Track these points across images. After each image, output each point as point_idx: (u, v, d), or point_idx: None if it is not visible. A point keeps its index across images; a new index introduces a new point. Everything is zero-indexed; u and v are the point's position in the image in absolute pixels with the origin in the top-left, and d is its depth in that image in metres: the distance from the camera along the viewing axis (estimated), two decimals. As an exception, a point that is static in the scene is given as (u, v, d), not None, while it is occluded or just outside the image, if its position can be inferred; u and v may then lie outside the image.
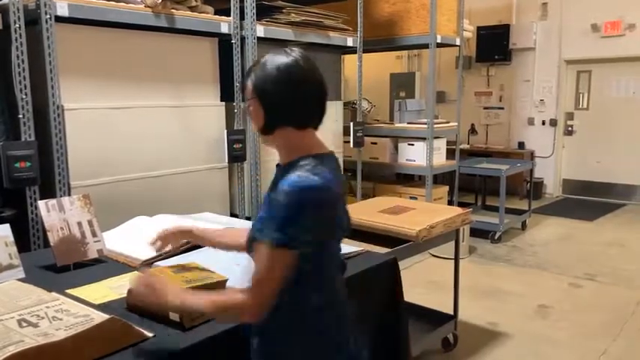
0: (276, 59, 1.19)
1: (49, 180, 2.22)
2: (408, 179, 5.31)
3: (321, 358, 1.21)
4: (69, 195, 2.26)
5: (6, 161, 2.04)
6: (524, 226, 5.21)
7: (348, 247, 1.94)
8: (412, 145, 4.51)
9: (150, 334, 1.25)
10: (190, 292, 1.23)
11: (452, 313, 2.77)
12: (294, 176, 1.12)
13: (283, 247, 1.10)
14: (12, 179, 2.06)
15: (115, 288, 1.59)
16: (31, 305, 1.28)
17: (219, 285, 1.39)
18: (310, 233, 1.11)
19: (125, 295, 1.45)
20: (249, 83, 1.19)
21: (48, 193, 2.21)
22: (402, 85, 5.88)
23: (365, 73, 3.90)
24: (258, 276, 1.12)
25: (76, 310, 1.26)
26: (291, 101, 1.19)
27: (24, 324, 1.18)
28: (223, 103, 2.95)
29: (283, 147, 1.24)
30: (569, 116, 6.72)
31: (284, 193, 1.10)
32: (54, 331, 1.14)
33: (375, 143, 4.69)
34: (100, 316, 1.22)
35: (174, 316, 1.33)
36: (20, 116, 2.10)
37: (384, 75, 6.27)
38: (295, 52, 1.23)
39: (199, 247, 1.93)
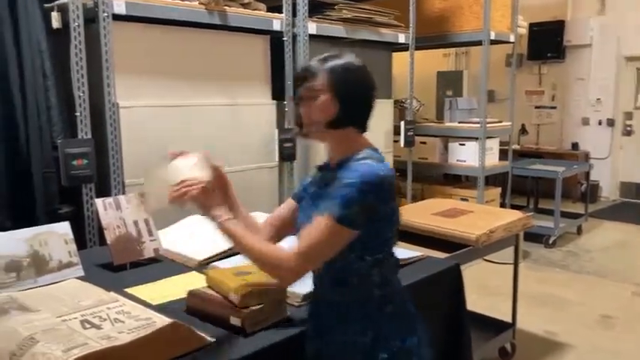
0: (352, 59, 1.24)
1: (104, 178, 2.22)
2: (457, 180, 5.16)
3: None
4: (123, 193, 2.26)
5: (64, 159, 2.05)
6: (579, 230, 5.00)
7: (407, 251, 1.86)
8: (463, 145, 4.38)
9: (211, 339, 1.21)
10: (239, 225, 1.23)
11: (509, 320, 2.65)
12: (364, 165, 1.16)
13: (346, 224, 1.12)
14: (69, 177, 2.07)
15: (172, 288, 1.56)
16: (93, 306, 1.26)
17: (278, 291, 1.34)
18: (373, 217, 1.14)
19: (184, 296, 1.42)
20: (325, 76, 1.20)
21: (103, 190, 2.21)
22: (449, 83, 5.72)
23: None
24: (310, 242, 1.13)
25: (137, 313, 1.23)
26: (365, 103, 1.25)
27: (87, 325, 1.16)
28: (274, 101, 2.91)
29: (340, 144, 1.25)
30: (628, 116, 6.42)
31: (358, 175, 1.13)
32: (117, 334, 1.11)
33: (425, 143, 4.57)
34: (162, 320, 1.19)
35: (235, 321, 1.28)
36: (77, 114, 2.10)
37: (429, 73, 6.12)
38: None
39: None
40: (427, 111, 6.03)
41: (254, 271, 1.43)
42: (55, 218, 2.14)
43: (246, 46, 2.77)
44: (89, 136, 2.14)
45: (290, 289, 1.38)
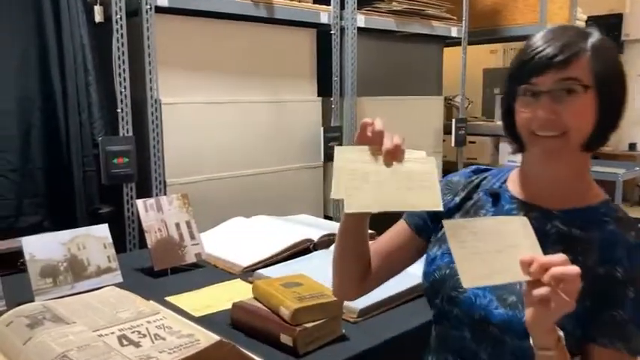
0: (612, 43, 0.91)
1: (145, 177, 2.14)
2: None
3: None
4: (165, 193, 2.17)
5: (104, 157, 1.97)
6: (639, 236, 4.67)
7: None
8: (515, 144, 4.15)
9: (259, 360, 1.09)
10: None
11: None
12: None
13: None
14: (110, 175, 1.99)
15: (215, 298, 1.45)
16: (132, 319, 1.15)
17: (334, 306, 1.20)
18: None
19: (229, 307, 1.30)
20: (588, 61, 0.85)
21: (144, 190, 2.12)
22: (496, 81, 5.47)
23: (456, 68, 3.61)
24: None
25: (179, 328, 1.11)
26: (623, 111, 0.90)
27: (125, 342, 1.05)
28: (320, 98, 2.78)
29: (575, 178, 0.93)
30: (691, 115, 6.01)
31: None
32: (157, 354, 0.99)
33: (474, 142, 4.35)
34: (206, 337, 1.07)
35: (286, 339, 1.15)
36: (119, 110, 2.02)
37: (475, 70, 5.85)
38: None
39: (305, 252, 1.76)
40: (473, 109, 5.80)
41: (304, 282, 1.31)
42: (95, 218, 2.06)
43: (291, 39, 2.65)
44: (130, 133, 2.06)
45: (347, 303, 1.25)
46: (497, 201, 0.99)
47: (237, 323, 1.27)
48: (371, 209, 0.90)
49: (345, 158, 0.92)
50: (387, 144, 0.90)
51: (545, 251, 0.76)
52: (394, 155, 0.90)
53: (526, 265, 0.74)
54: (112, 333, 1.09)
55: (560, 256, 0.73)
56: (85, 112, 2.01)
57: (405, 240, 1.08)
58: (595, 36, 0.88)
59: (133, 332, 1.10)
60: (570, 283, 0.71)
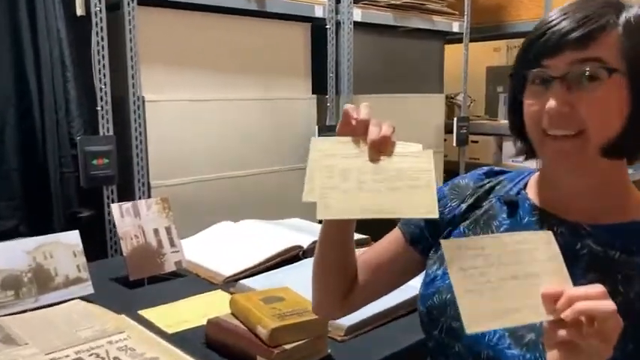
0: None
1: (128, 179, 2.02)
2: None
3: None
4: (149, 195, 2.06)
5: (83, 157, 1.86)
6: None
7: None
8: (519, 144, 4.02)
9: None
10: None
11: None
12: None
13: None
14: (89, 177, 1.87)
15: (192, 311, 1.33)
16: (92, 338, 1.04)
17: (318, 324, 1.08)
18: None
19: (204, 322, 1.18)
20: (620, 40, 0.68)
21: (126, 193, 2.01)
22: (499, 79, 5.33)
23: (457, 65, 3.49)
24: None
25: (143, 349, 1.00)
26: None
27: (78, 367, 0.93)
28: (314, 96, 2.66)
29: (608, 186, 0.75)
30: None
31: None
32: (113, 382, 0.88)
33: (476, 142, 4.22)
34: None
35: (262, 362, 1.04)
36: (98, 108, 1.91)
37: (477, 68, 5.72)
38: None
39: (295, 259, 1.65)
40: (476, 108, 5.67)
41: (287, 296, 1.19)
42: (73, 223, 1.95)
43: (284, 34, 2.53)
44: (111, 132, 1.94)
45: (333, 321, 1.13)
46: (513, 211, 0.82)
47: (212, 342, 1.15)
48: (349, 215, 0.76)
49: (321, 151, 0.78)
50: (373, 134, 0.75)
51: (575, 280, 0.60)
52: (381, 147, 0.75)
53: (551, 299, 0.57)
54: (67, 356, 0.98)
55: (597, 287, 0.56)
56: (62, 109, 1.90)
57: (398, 251, 0.93)
58: (632, 9, 0.69)
59: (91, 355, 0.99)
60: (604, 322, 0.55)
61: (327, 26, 2.60)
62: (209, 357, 1.10)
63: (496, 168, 0.94)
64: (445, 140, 3.51)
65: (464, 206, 0.88)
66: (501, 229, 0.82)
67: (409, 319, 1.28)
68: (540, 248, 0.63)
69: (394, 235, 0.95)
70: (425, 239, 0.91)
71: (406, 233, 0.93)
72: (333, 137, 0.79)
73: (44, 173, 1.88)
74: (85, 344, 1.02)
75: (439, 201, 0.77)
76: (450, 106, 4.08)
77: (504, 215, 0.83)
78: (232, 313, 1.18)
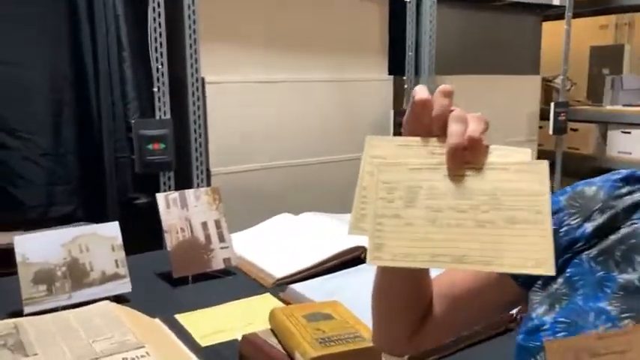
0: None
1: (186, 165, 1.91)
2: (604, 173, 4.27)
3: None
4: (208, 183, 1.94)
5: (138, 142, 1.76)
6: None
7: None
8: (628, 133, 3.54)
9: None
10: None
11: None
12: None
13: None
14: (144, 162, 1.78)
15: (233, 319, 1.18)
16: (107, 353, 0.90)
17: (370, 354, 0.88)
18: None
19: (239, 337, 1.02)
20: None
21: (184, 180, 1.90)
22: (605, 60, 4.78)
23: (557, 44, 3.09)
24: None
25: (159, 373, 0.85)
26: None
27: (80, 391, 0.80)
28: (391, 77, 2.43)
29: None
30: None
31: None
32: (112, 416, 0.73)
33: (576, 130, 3.79)
34: (188, 391, 0.79)
35: (299, 397, 0.85)
36: (155, 89, 1.80)
37: (580, 47, 5.17)
38: None
39: (352, 263, 1.45)
40: (576, 92, 5.14)
41: (336, 314, 1.00)
42: (129, 209, 1.87)
43: (358, 9, 2.31)
44: (168, 116, 1.83)
45: (389, 355, 0.92)
46: None
47: (246, 361, 0.98)
48: (412, 263, 0.52)
49: (378, 158, 0.55)
50: (455, 134, 0.53)
51: None
52: (468, 156, 0.53)
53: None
54: (73, 374, 0.85)
55: None
56: (118, 90, 1.81)
57: (490, 281, 0.69)
58: None
59: (100, 375, 0.85)
60: None
61: (408, 1, 2.35)
62: (240, 381, 0.93)
63: (639, 171, 0.66)
64: (541, 127, 3.15)
65: (589, 227, 0.62)
66: None
67: (497, 343, 1.04)
68: None
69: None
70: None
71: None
72: (397, 137, 0.57)
73: (100, 157, 1.81)
74: (96, 359, 0.89)
75: (552, 215, 0.54)
76: (547, 89, 3.67)
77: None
78: (271, 329, 1.01)
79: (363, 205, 0.54)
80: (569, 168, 3.92)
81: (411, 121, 0.56)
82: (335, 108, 2.27)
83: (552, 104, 3.00)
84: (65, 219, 1.80)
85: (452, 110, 0.54)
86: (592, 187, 0.65)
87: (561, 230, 0.63)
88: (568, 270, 0.61)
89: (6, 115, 1.70)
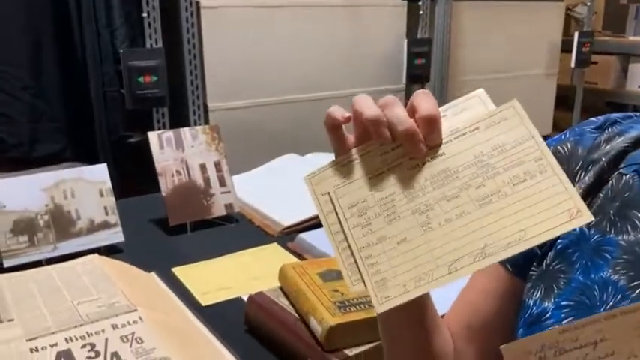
0: None
1: (181, 100, 1.75)
2: (622, 109, 4.10)
3: None
4: (206, 120, 1.79)
5: (128, 74, 1.59)
6: None
7: None
8: (652, 66, 3.35)
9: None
10: None
11: None
12: None
13: None
14: (135, 97, 1.62)
15: (237, 274, 1.06)
16: (93, 318, 0.78)
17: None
18: None
19: (250, 292, 0.90)
20: None
21: (179, 116, 1.74)
22: (625, -13, 4.50)
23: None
24: None
25: (152, 344, 0.74)
26: None
27: (62, 366, 0.68)
28: (405, 2, 2.22)
29: None
30: None
31: None
32: (98, 399, 0.62)
33: (595, 62, 3.58)
34: (187, 365, 0.68)
35: (315, 370, 0.74)
36: (144, 15, 1.61)
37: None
38: None
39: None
40: (594, 22, 4.88)
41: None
42: (121, 149, 1.73)
43: None
44: (160, 45, 1.65)
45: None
46: None
47: (253, 325, 0.87)
48: (429, 286, 0.42)
49: (327, 189, 0.47)
50: (402, 120, 0.45)
51: None
52: (426, 134, 0.45)
53: None
54: (54, 345, 0.73)
55: None
56: (103, 17, 1.61)
57: (506, 296, 0.57)
58: None
59: (84, 346, 0.73)
60: None
61: None
62: (248, 346, 0.82)
63: (615, 115, 0.56)
64: (560, 60, 2.95)
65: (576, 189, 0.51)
66: None
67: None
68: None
69: (490, 273, 0.58)
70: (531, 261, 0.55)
71: (506, 263, 0.57)
72: (336, 160, 0.49)
73: (86, 91, 1.65)
74: (82, 327, 0.77)
75: None
76: (566, 19, 3.44)
77: None
78: (281, 288, 0.89)
79: (348, 252, 0.44)
80: (585, 104, 3.74)
81: (338, 137, 0.49)
82: (344, 37, 2.08)
83: (576, 34, 2.79)
84: (52, 159, 1.66)
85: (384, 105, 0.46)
86: (566, 144, 0.56)
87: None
88: (559, 241, 0.52)
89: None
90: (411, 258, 0.42)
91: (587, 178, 0.53)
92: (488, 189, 0.42)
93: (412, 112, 0.45)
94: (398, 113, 0.44)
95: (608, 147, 0.53)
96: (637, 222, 0.48)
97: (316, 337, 0.75)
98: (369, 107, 0.46)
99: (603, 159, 0.52)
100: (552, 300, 0.50)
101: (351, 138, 0.49)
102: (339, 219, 0.45)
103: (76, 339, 0.74)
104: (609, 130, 0.55)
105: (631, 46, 3.44)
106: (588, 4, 2.84)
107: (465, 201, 0.42)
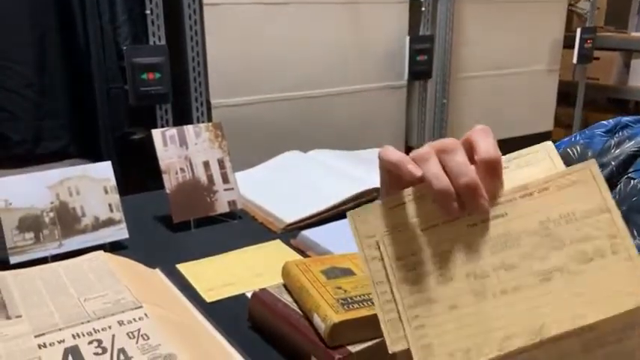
0: None
1: (184, 96, 1.75)
2: (624, 105, 4.08)
3: None
4: (209, 117, 1.80)
5: (131, 71, 1.60)
6: None
7: None
8: (654, 62, 3.35)
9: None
10: None
11: None
12: None
13: None
14: (138, 94, 1.63)
15: (241, 271, 1.07)
16: (99, 315, 0.80)
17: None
18: None
19: (254, 289, 0.91)
20: None
21: (182, 113, 1.75)
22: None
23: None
24: None
25: (158, 341, 0.75)
26: None
27: (70, 362, 0.69)
28: (407, 0, 2.22)
29: None
30: None
31: None
32: (106, 395, 0.63)
33: (597, 58, 3.58)
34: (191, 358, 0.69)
35: (318, 366, 0.76)
36: (147, 12, 1.61)
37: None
38: None
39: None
40: (596, 18, 4.86)
41: (357, 270, 0.88)
42: (124, 145, 1.74)
43: None
44: (163, 42, 1.66)
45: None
46: None
47: (256, 322, 0.88)
48: (481, 358, 0.38)
49: (376, 235, 0.42)
50: (463, 172, 0.39)
51: None
52: (487, 186, 0.40)
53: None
54: (61, 342, 0.74)
55: None
56: (107, 13, 1.62)
57: None
58: None
59: (91, 342, 0.74)
60: None
61: None
62: (251, 343, 0.83)
63: (626, 118, 0.57)
64: (562, 57, 2.95)
65: None
66: None
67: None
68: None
69: None
70: None
71: None
72: (387, 199, 0.43)
73: (90, 88, 1.65)
74: (88, 323, 0.78)
75: None
76: (568, 14, 3.44)
77: None
78: (284, 285, 0.90)
79: (391, 305, 0.42)
80: (587, 99, 3.74)
81: (390, 182, 0.44)
82: (346, 33, 2.08)
83: (579, 30, 2.79)
84: (56, 156, 1.67)
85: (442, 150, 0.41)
86: (576, 147, 0.57)
87: None
88: None
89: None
90: (461, 326, 0.39)
91: None
92: (552, 263, 0.38)
93: (470, 151, 0.41)
94: (459, 162, 0.39)
95: (618, 151, 0.54)
96: None
97: (319, 333, 0.76)
98: (437, 177, 0.39)
99: (613, 163, 0.53)
100: None
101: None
102: (385, 268, 0.42)
103: (83, 335, 0.76)
104: (620, 133, 0.55)
105: (634, 42, 3.44)
106: (588, 1, 2.83)
107: (524, 273, 0.39)
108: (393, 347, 0.42)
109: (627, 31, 3.59)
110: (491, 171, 0.39)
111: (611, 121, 0.58)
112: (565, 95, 3.28)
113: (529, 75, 2.66)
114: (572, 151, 0.56)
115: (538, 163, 0.41)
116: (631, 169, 0.52)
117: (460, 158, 0.39)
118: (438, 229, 0.41)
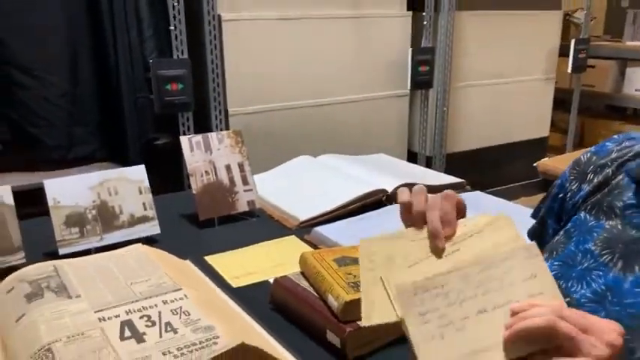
0: None
1: (204, 105, 1.90)
2: (620, 113, 4.20)
3: None
4: (226, 124, 1.94)
5: (156, 82, 1.74)
6: None
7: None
8: (648, 70, 3.48)
9: (294, 363, 0.84)
10: None
11: None
12: None
13: None
14: (163, 103, 1.77)
15: (262, 261, 1.21)
16: (146, 295, 0.94)
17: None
18: None
19: (274, 276, 1.05)
20: None
21: (202, 120, 1.89)
22: (626, -9, 4.61)
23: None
24: None
25: (199, 315, 0.89)
26: None
27: (127, 333, 0.83)
28: (410, 12, 2.36)
29: None
30: None
31: None
32: (160, 356, 0.77)
33: (593, 67, 3.71)
34: (229, 332, 0.83)
35: (333, 338, 0.90)
36: (172, 28, 1.76)
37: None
38: None
39: (373, 206, 1.47)
40: (594, 27, 4.98)
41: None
42: (150, 150, 1.88)
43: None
44: (185, 55, 1.80)
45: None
46: None
47: (278, 304, 1.02)
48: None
49: (390, 262, 0.68)
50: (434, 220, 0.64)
51: None
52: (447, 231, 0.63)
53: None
54: (117, 316, 0.88)
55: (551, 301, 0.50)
56: (134, 29, 1.77)
57: None
58: None
59: (142, 317, 0.88)
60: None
61: None
62: (274, 321, 0.97)
63: (635, 133, 0.71)
64: (559, 65, 3.08)
65: (586, 188, 0.70)
66: (626, 213, 0.64)
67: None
68: (517, 267, 0.53)
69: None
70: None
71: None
72: (400, 231, 0.67)
73: (118, 97, 1.80)
74: (137, 302, 0.92)
75: (563, 186, 0.66)
76: (565, 24, 3.57)
77: (630, 194, 0.65)
78: (302, 273, 1.04)
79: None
80: (581, 106, 3.87)
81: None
82: (353, 46, 2.22)
83: (573, 41, 2.92)
84: (86, 160, 1.82)
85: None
86: (587, 154, 0.72)
87: (567, 196, 0.72)
88: (569, 224, 0.69)
89: (23, 56, 1.68)
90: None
91: (595, 180, 0.69)
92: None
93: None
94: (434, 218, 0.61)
95: (616, 156, 0.69)
96: (618, 211, 0.65)
97: (333, 311, 0.90)
98: (434, 224, 0.61)
99: (611, 165, 0.68)
100: (549, 261, 0.68)
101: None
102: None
103: (134, 312, 0.89)
104: (624, 144, 0.70)
105: (628, 51, 3.57)
106: (585, 11, 2.96)
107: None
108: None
109: (622, 41, 3.72)
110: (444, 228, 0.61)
111: (621, 135, 0.72)
112: (562, 102, 3.41)
113: (526, 83, 2.79)
114: (583, 156, 0.72)
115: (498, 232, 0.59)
116: (622, 170, 0.67)
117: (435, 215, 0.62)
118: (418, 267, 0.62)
